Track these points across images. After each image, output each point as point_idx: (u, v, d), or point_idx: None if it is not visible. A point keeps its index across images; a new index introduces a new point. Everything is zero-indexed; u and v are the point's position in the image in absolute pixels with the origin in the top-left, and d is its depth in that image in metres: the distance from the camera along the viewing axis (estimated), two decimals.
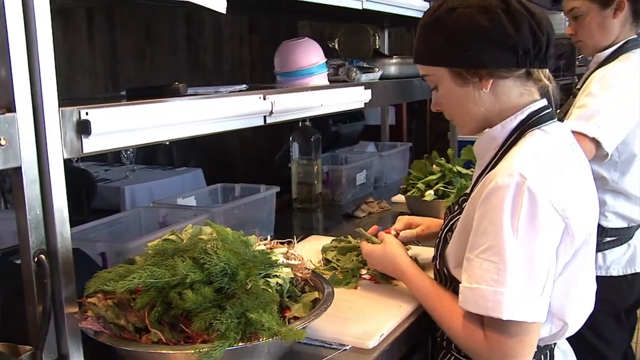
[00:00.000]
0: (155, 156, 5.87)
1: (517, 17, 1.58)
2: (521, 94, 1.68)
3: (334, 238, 2.47)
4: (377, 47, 3.75)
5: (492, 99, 1.66)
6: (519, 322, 1.49)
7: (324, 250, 2.38)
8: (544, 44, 1.62)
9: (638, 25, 2.76)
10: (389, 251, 1.99)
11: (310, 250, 2.27)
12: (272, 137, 5.34)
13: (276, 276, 1.61)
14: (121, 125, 1.59)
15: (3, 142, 1.36)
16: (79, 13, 5.18)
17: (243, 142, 5.64)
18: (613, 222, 2.72)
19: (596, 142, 2.44)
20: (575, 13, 2.72)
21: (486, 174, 1.65)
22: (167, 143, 1.78)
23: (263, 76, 5.23)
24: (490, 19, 1.58)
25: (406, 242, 2.16)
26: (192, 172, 5.50)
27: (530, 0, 1.70)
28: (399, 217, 2.30)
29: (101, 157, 5.37)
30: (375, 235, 2.14)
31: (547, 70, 1.71)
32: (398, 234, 2.17)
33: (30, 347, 1.36)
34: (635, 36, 2.78)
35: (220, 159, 5.64)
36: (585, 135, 2.41)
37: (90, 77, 5.65)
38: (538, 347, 1.68)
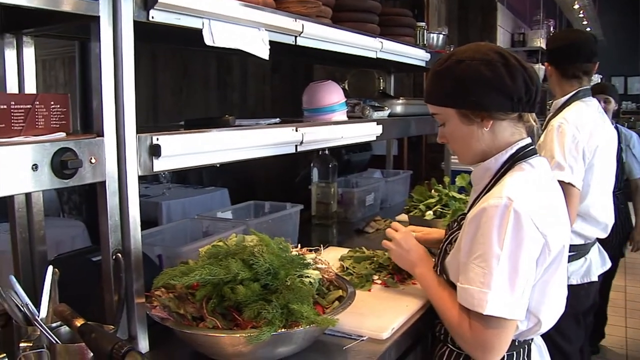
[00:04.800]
0: (187, 176, 5.96)
1: (513, 70, 1.68)
2: (513, 133, 1.77)
3: (350, 249, 2.55)
4: (382, 88, 3.85)
5: (491, 136, 1.76)
6: (497, 317, 1.58)
7: (342, 258, 2.45)
8: (534, 92, 1.72)
9: (576, 80, 3.01)
10: (413, 245, 2.07)
11: (329, 259, 2.33)
12: (288, 162, 5.42)
13: (308, 276, 1.70)
14: (184, 150, 1.69)
15: (93, 160, 1.46)
16: None
17: (263, 166, 5.72)
18: (572, 240, 2.85)
19: (571, 184, 2.64)
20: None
21: (481, 197, 1.75)
22: (218, 165, 1.87)
23: (282, 110, 5.32)
24: (491, 71, 1.67)
25: None
26: (219, 191, 5.56)
27: None
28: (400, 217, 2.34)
29: (142, 177, 5.45)
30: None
31: (534, 114, 1.81)
32: None
33: (112, 326, 1.44)
34: (587, 87, 2.98)
35: (243, 180, 5.70)
36: (563, 181, 2.60)
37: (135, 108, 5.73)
38: (518, 341, 1.78)
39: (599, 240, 3.09)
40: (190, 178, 6.01)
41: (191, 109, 5.95)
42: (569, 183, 2.68)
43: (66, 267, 1.81)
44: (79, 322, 1.28)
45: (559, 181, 2.57)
